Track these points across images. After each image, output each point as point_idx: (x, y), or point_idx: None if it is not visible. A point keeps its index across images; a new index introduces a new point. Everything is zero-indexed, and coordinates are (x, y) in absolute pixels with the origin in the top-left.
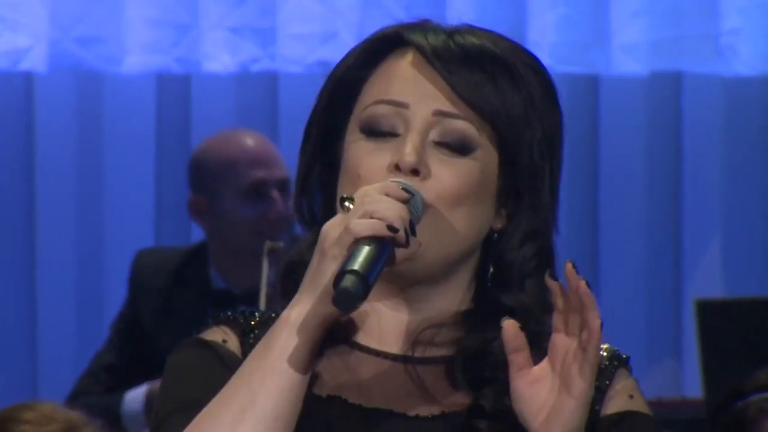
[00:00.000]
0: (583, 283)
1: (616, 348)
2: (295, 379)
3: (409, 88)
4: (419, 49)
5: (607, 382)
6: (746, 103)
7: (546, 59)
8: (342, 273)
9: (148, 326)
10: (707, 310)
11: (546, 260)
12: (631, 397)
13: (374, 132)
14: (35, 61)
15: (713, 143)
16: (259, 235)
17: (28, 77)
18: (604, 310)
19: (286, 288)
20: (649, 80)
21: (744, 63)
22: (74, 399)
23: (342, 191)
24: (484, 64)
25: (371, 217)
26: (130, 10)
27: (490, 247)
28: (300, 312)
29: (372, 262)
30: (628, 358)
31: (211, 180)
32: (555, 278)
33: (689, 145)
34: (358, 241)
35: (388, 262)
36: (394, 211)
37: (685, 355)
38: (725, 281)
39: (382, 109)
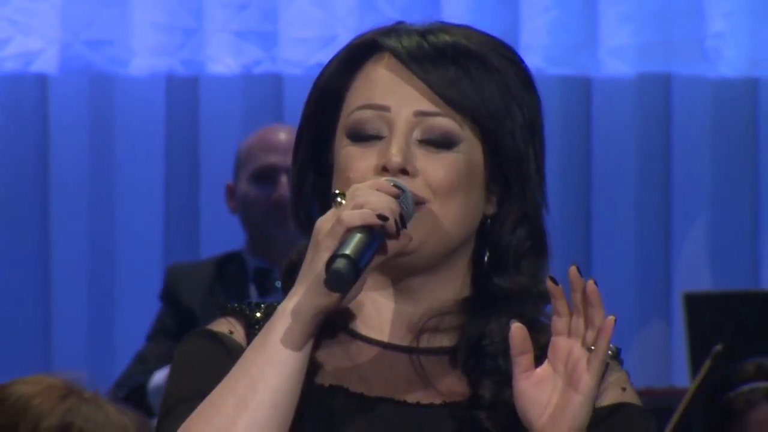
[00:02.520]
0: (590, 281)
1: None
2: (292, 368)
3: (388, 92)
4: (394, 53)
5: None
6: (731, 103)
7: (538, 61)
8: (334, 257)
9: (199, 314)
10: (695, 303)
11: (539, 241)
12: (624, 389)
13: (359, 136)
14: (47, 64)
15: (700, 141)
16: (267, 218)
17: (40, 79)
18: None
19: (288, 289)
20: (637, 82)
21: (729, 65)
22: (119, 384)
23: None
24: (458, 60)
25: (362, 208)
26: (137, 14)
27: (484, 233)
28: (296, 303)
29: (363, 248)
30: (619, 350)
31: (236, 165)
32: (556, 282)
33: (677, 143)
34: (350, 231)
35: (380, 251)
36: (383, 203)
37: (674, 346)
38: (712, 275)
39: (365, 114)
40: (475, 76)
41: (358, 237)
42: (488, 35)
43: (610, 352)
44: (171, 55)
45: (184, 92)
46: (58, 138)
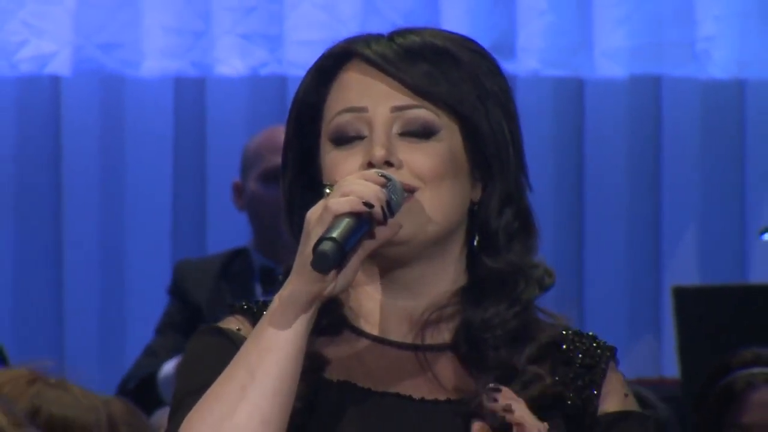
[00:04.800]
0: (509, 415)
1: (604, 340)
2: (289, 353)
3: (363, 93)
4: (365, 58)
5: (602, 376)
6: (720, 104)
7: (534, 63)
8: (320, 240)
9: (205, 309)
10: (684, 297)
11: (527, 221)
12: (626, 395)
13: (342, 140)
14: (60, 66)
15: (690, 141)
16: (277, 217)
17: (54, 80)
18: (589, 298)
19: None
20: (630, 83)
21: (718, 67)
22: (129, 376)
23: None
24: (426, 56)
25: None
26: (148, 17)
27: (472, 218)
28: (290, 291)
29: (348, 233)
30: (615, 349)
31: (244, 165)
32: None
33: (667, 143)
34: (337, 217)
35: (368, 236)
36: (370, 190)
37: (664, 338)
38: (700, 270)
39: (345, 118)
40: (445, 68)
41: (344, 222)
42: (453, 33)
43: (608, 351)
44: (180, 57)
45: (192, 93)
46: (70, 137)
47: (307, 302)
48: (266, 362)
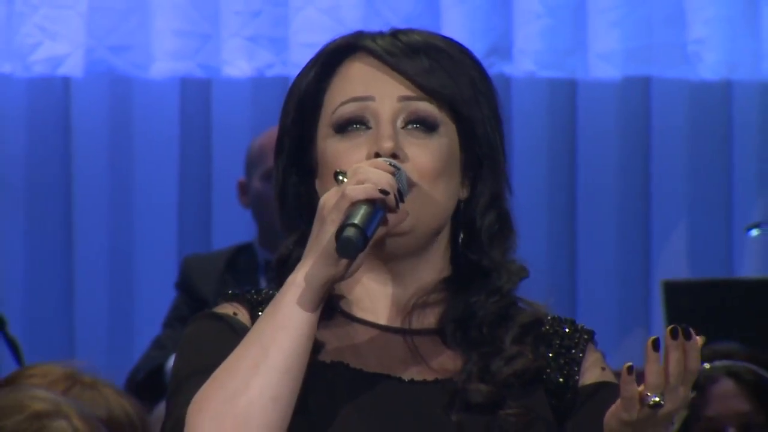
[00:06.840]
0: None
1: (582, 324)
2: (302, 332)
3: (370, 84)
4: (370, 51)
5: (581, 355)
6: (709, 104)
7: (530, 65)
8: (343, 226)
9: (212, 303)
10: (673, 290)
11: (506, 222)
12: (603, 369)
13: (346, 128)
14: (72, 67)
15: (679, 141)
16: None
17: (65, 82)
18: (581, 292)
19: (282, 281)
20: (622, 84)
21: (708, 69)
22: (138, 368)
23: (326, 190)
24: (429, 54)
25: (364, 184)
26: (157, 21)
27: (458, 215)
28: (305, 272)
29: (368, 219)
30: (593, 333)
31: (249, 164)
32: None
33: (658, 142)
34: (354, 204)
35: (382, 223)
36: (383, 178)
37: (654, 331)
38: (689, 264)
39: (350, 107)
40: (447, 67)
41: (363, 209)
42: (447, 36)
43: (586, 334)
44: (188, 59)
45: (198, 94)
46: (80, 136)
47: (322, 285)
48: (280, 340)
